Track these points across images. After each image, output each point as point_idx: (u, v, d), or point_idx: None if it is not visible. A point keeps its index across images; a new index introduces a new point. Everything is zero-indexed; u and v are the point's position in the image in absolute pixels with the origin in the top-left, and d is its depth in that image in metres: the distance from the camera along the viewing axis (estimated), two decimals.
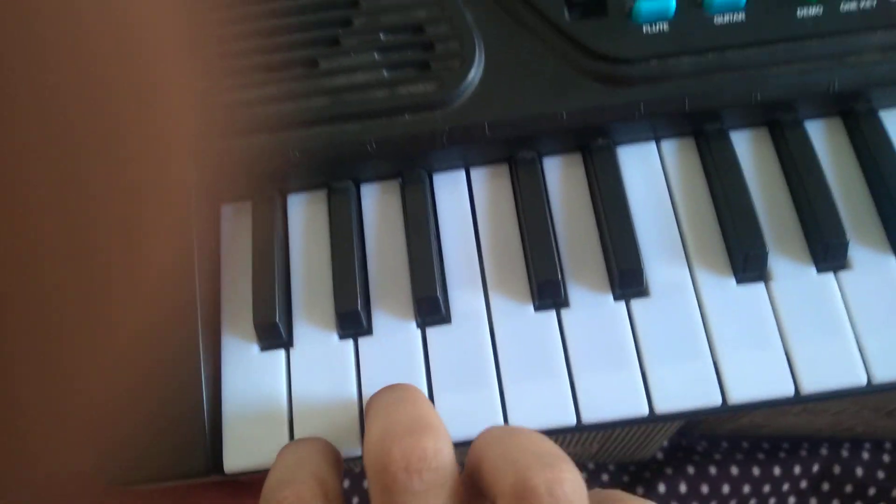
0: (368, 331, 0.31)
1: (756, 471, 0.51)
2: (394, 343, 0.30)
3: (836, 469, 0.52)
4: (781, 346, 0.29)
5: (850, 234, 0.30)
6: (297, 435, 0.29)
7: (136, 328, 0.16)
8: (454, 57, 0.31)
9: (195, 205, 0.30)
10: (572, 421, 0.29)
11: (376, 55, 0.32)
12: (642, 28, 0.31)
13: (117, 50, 0.14)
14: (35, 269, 0.13)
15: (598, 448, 0.49)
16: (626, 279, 0.30)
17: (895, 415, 0.47)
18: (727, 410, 0.29)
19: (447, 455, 0.23)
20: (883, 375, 0.29)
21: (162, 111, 0.15)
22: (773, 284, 0.30)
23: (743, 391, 0.29)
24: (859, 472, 0.52)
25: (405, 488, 0.22)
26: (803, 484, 0.52)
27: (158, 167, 0.16)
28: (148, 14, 0.15)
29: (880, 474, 0.52)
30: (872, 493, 0.52)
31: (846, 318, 0.29)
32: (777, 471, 0.52)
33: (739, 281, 0.30)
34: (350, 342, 0.31)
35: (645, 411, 0.29)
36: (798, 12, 0.31)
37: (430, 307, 0.30)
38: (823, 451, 0.53)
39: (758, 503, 0.51)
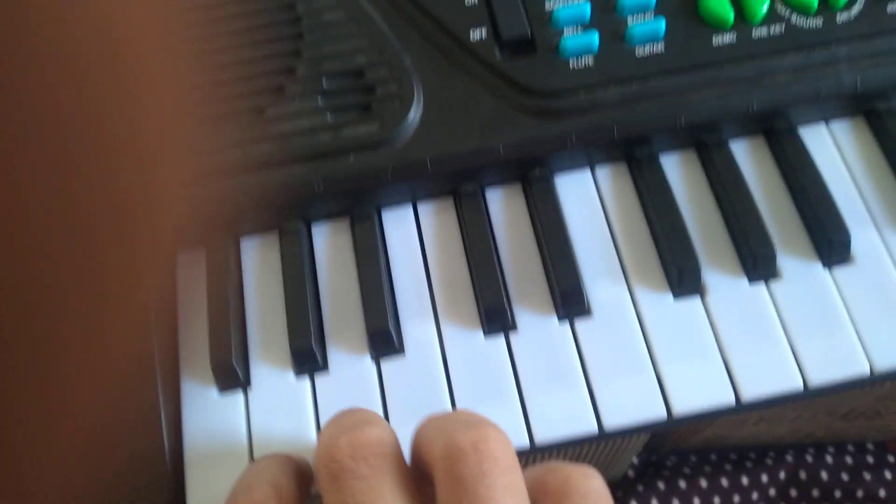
0: (324, 367, 0.32)
1: (725, 482, 0.52)
2: (349, 378, 0.31)
3: (803, 474, 0.53)
4: (720, 356, 0.31)
5: (778, 245, 0.32)
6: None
7: (100, 378, 0.17)
8: (394, 98, 0.33)
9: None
10: (526, 442, 0.30)
11: (320, 100, 0.33)
12: (569, 63, 0.33)
13: (108, 70, 0.14)
14: None
15: None
16: (568, 300, 0.31)
17: (850, 417, 0.48)
18: (673, 423, 0.30)
19: (391, 442, 0.24)
20: (817, 378, 0.30)
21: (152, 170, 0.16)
22: (709, 297, 0.32)
23: (686, 402, 0.30)
24: (824, 475, 0.53)
25: (352, 474, 0.23)
26: (772, 491, 0.53)
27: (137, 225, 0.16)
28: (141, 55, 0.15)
29: (844, 476, 0.54)
30: (839, 495, 0.53)
31: (779, 325, 0.31)
32: (745, 480, 0.53)
33: (676, 296, 0.32)
34: (307, 379, 0.31)
35: (594, 428, 0.30)
36: (713, 39, 0.33)
37: (383, 339, 0.31)
38: (789, 458, 0.54)
39: None
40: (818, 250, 0.32)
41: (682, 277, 0.31)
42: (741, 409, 0.30)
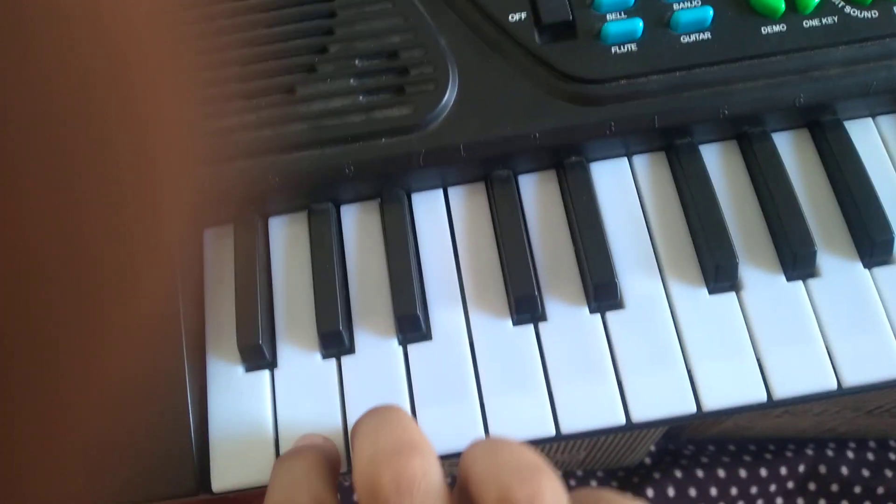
0: (351, 350, 0.31)
1: (743, 472, 0.52)
2: (376, 361, 0.31)
3: (822, 469, 0.53)
4: (753, 353, 0.30)
5: (819, 243, 0.31)
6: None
7: (127, 353, 0.17)
8: (428, 81, 0.32)
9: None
10: (551, 432, 0.30)
11: (352, 81, 0.32)
12: (611, 49, 0.32)
13: (110, 78, 0.14)
14: (25, 296, 0.14)
15: (585, 455, 0.50)
16: (601, 292, 0.31)
17: (875, 413, 0.48)
18: (702, 417, 0.30)
19: (435, 474, 0.23)
20: (852, 379, 0.30)
21: (155, 145, 0.16)
22: (744, 293, 0.31)
23: (716, 398, 0.30)
24: (844, 471, 0.53)
25: None
26: (790, 484, 0.53)
27: (151, 200, 0.16)
28: (138, 41, 0.15)
29: (865, 472, 0.53)
30: (858, 491, 0.53)
31: (815, 324, 0.30)
32: (764, 472, 0.52)
33: (711, 291, 0.31)
34: (333, 361, 0.31)
35: (622, 420, 0.30)
36: (762, 30, 0.32)
37: (411, 324, 0.31)
38: (809, 452, 0.54)
39: None
40: (859, 249, 0.31)
41: (719, 272, 0.31)
42: (772, 406, 0.30)
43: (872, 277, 0.31)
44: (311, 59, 0.33)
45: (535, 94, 0.32)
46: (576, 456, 0.50)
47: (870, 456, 0.54)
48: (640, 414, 0.30)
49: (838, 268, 0.31)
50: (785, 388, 0.30)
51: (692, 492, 0.51)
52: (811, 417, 0.48)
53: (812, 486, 0.53)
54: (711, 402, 0.29)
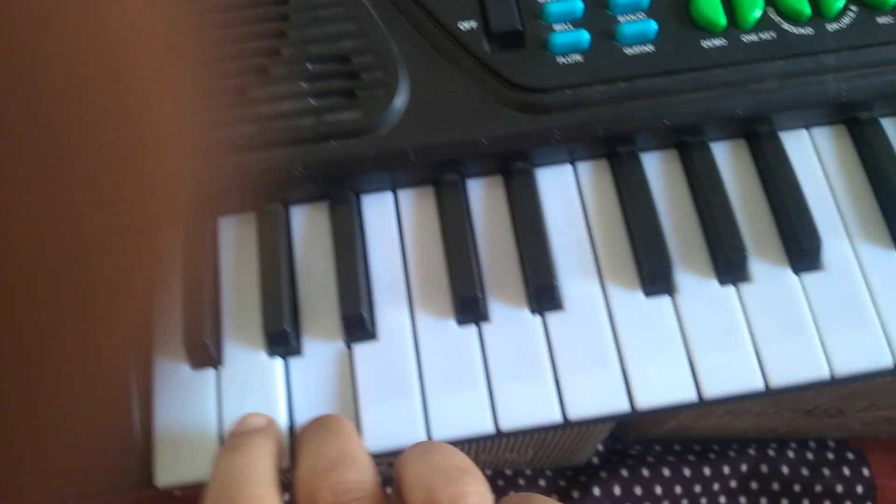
0: (298, 349, 0.32)
1: (687, 472, 0.54)
2: (322, 361, 0.32)
3: (764, 468, 0.55)
4: (685, 355, 0.31)
5: (751, 249, 0.33)
6: None
7: (119, 347, 0.17)
8: (379, 86, 0.33)
9: None
10: (491, 429, 0.30)
11: (303, 84, 0.33)
12: (558, 59, 0.33)
13: (105, 74, 0.14)
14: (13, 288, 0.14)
15: (533, 454, 0.51)
16: (541, 294, 0.32)
17: (813, 414, 0.49)
18: (635, 416, 0.31)
19: (370, 484, 0.25)
20: (779, 380, 0.31)
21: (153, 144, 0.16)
22: (679, 297, 0.32)
23: (649, 397, 0.31)
24: (785, 470, 0.55)
25: None
26: (733, 483, 0.55)
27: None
28: (135, 42, 0.15)
29: (804, 471, 0.55)
30: (798, 489, 0.55)
31: (745, 327, 0.32)
32: (707, 471, 0.54)
33: (648, 294, 0.32)
34: (279, 361, 0.32)
35: (559, 418, 0.30)
36: (703, 43, 0.33)
37: (356, 324, 0.31)
38: (751, 452, 0.55)
39: (690, 503, 0.54)
40: (790, 256, 0.33)
41: (654, 276, 0.32)
42: (703, 406, 0.31)
43: (801, 283, 0.33)
44: (263, 62, 0.33)
45: (484, 101, 0.33)
46: (524, 455, 0.51)
47: (809, 455, 0.56)
48: (576, 412, 0.31)
49: (769, 273, 0.33)
50: (715, 388, 0.31)
51: (638, 490, 0.53)
52: (752, 418, 0.49)
53: (754, 485, 0.55)
54: (644, 401, 0.31)
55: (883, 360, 0.31)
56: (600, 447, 0.56)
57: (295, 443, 0.30)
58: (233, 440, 0.28)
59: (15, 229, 0.13)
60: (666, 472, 0.54)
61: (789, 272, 0.33)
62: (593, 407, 0.31)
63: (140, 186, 0.16)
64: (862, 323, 0.32)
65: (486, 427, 0.30)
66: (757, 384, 0.31)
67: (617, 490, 0.53)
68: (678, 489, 0.53)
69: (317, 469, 0.25)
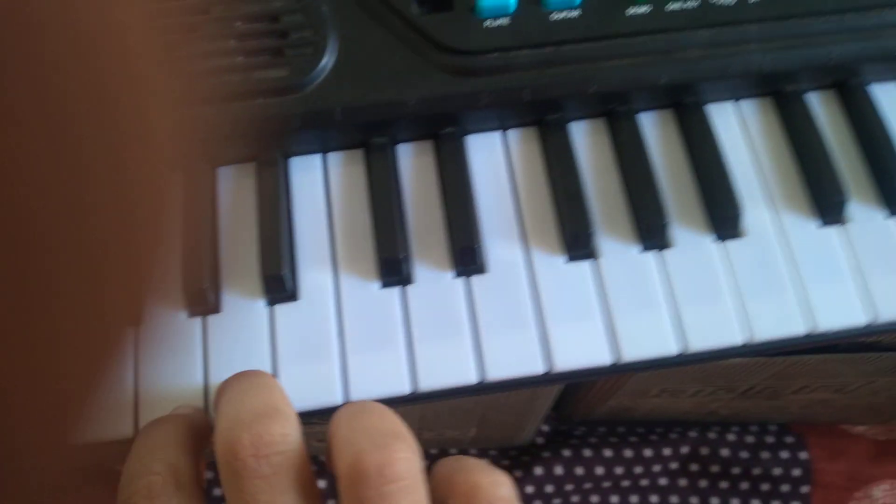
0: (216, 309, 0.32)
1: (628, 453, 0.54)
2: (242, 320, 0.31)
3: (704, 450, 0.55)
4: (604, 319, 0.31)
5: (674, 217, 0.33)
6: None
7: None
8: (307, 45, 0.33)
9: None
10: (407, 389, 0.30)
11: (233, 42, 0.33)
12: (484, 22, 0.33)
13: (112, 55, 0.15)
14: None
15: (476, 432, 0.51)
16: (465, 257, 0.32)
17: (749, 395, 0.50)
18: (552, 379, 0.31)
19: (294, 439, 0.24)
20: (696, 345, 0.31)
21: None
22: (601, 261, 0.32)
23: (567, 360, 0.31)
24: (725, 452, 0.55)
25: (254, 472, 0.23)
26: (673, 465, 0.55)
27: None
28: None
29: (744, 454, 0.56)
30: (737, 471, 0.55)
31: (664, 292, 0.32)
32: (648, 452, 0.54)
33: (570, 259, 0.33)
34: (198, 320, 0.31)
35: (475, 379, 0.31)
36: (628, 11, 0.34)
37: (277, 285, 0.31)
38: (693, 434, 0.56)
39: (631, 484, 0.54)
40: (711, 223, 0.33)
41: (576, 241, 0.32)
42: (619, 370, 0.31)
43: (721, 250, 0.33)
44: (193, 20, 0.33)
45: (412, 62, 0.33)
46: (467, 433, 0.51)
47: (749, 439, 0.56)
48: (495, 373, 0.31)
49: (691, 240, 0.33)
50: (632, 351, 0.31)
51: (579, 470, 0.53)
52: (689, 398, 0.50)
53: (694, 467, 0.55)
54: (561, 363, 0.31)
55: (798, 327, 0.32)
56: (546, 428, 0.56)
57: (215, 399, 0.29)
58: (157, 418, 0.28)
59: (16, 180, 0.13)
60: (608, 452, 0.54)
61: (710, 239, 0.33)
62: (511, 369, 0.31)
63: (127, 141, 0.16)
64: (779, 290, 0.32)
65: (403, 387, 0.30)
66: (673, 348, 0.31)
67: (559, 470, 0.53)
68: (619, 470, 0.54)
69: (239, 420, 0.24)
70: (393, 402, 0.31)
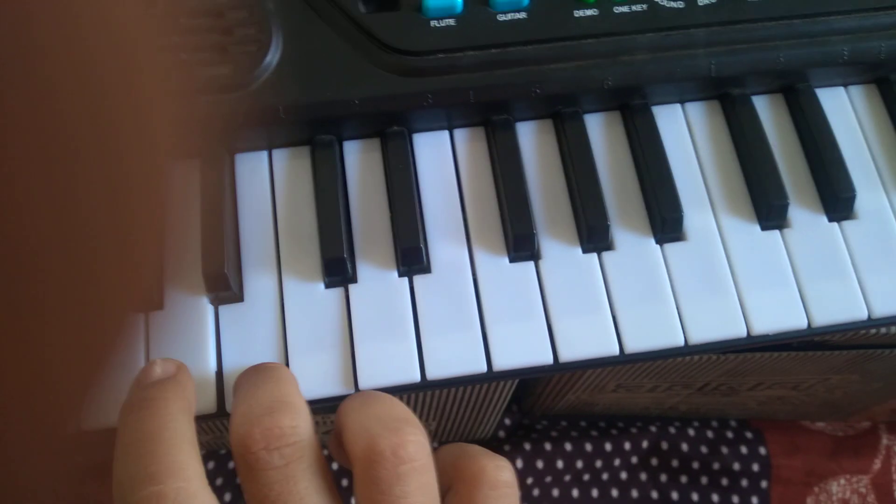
0: (160, 306, 0.32)
1: (588, 447, 0.55)
2: (189, 316, 0.32)
3: (664, 445, 0.56)
4: (546, 319, 0.32)
5: (614, 218, 0.33)
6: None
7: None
8: (251, 42, 0.33)
9: None
10: (351, 388, 0.31)
11: (175, 38, 0.33)
12: (430, 23, 0.33)
13: (108, 49, 0.15)
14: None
15: (436, 425, 0.51)
16: (408, 257, 0.32)
17: (706, 391, 0.50)
18: (493, 377, 0.31)
19: (304, 430, 0.25)
20: (633, 346, 0.32)
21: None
22: (543, 263, 0.33)
23: (507, 359, 0.31)
24: (685, 447, 0.56)
25: (267, 465, 0.24)
26: (633, 459, 0.56)
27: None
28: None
29: (703, 449, 0.56)
30: (696, 466, 0.56)
31: (604, 293, 0.32)
32: (608, 446, 0.55)
33: (512, 260, 0.33)
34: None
35: (418, 378, 0.31)
36: (575, 13, 0.34)
37: (219, 284, 0.31)
38: (653, 429, 0.56)
39: (591, 477, 0.55)
40: (653, 225, 0.33)
41: (519, 243, 0.32)
42: (560, 369, 0.32)
43: (663, 252, 0.33)
44: None
45: (357, 61, 0.33)
46: (427, 426, 0.51)
47: (709, 434, 0.57)
48: (437, 372, 0.31)
49: (632, 242, 0.33)
50: (570, 352, 0.31)
51: (539, 464, 0.54)
52: (647, 394, 0.50)
53: (654, 462, 0.56)
54: (501, 362, 0.31)
55: (738, 329, 0.32)
56: (507, 421, 0.56)
57: (233, 392, 0.29)
58: (139, 394, 0.26)
59: (13, 178, 0.13)
60: (568, 446, 0.54)
61: (652, 242, 0.33)
62: (453, 367, 0.31)
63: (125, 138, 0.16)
64: (720, 292, 0.33)
65: (346, 387, 0.31)
66: (613, 349, 0.32)
67: (519, 463, 0.54)
68: (579, 464, 0.54)
69: (250, 415, 0.25)
70: (335, 401, 0.31)
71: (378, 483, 0.23)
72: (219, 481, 0.56)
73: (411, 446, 0.24)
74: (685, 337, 0.32)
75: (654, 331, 0.32)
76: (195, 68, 0.32)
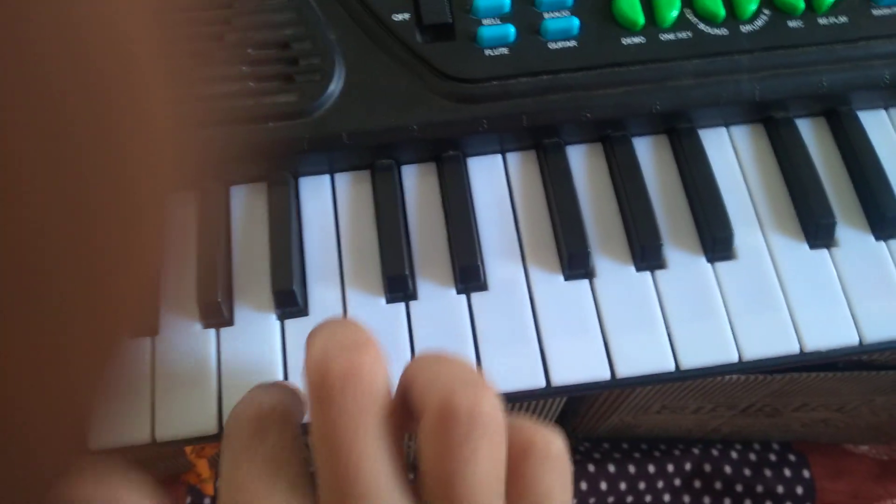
0: (230, 322, 0.33)
1: (632, 468, 0.55)
2: (253, 332, 0.33)
3: (707, 467, 0.56)
4: (601, 335, 0.33)
5: (666, 238, 0.34)
6: (161, 423, 0.31)
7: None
8: (316, 71, 0.34)
9: None
10: None
11: (244, 68, 0.34)
12: (485, 51, 0.35)
13: (111, 60, 0.15)
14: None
15: None
16: (466, 274, 0.33)
17: (750, 413, 0.51)
18: (551, 392, 0.32)
19: (383, 374, 0.24)
20: (689, 362, 0.32)
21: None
22: (597, 281, 0.34)
23: (565, 374, 0.32)
24: (728, 469, 0.56)
25: (339, 407, 0.23)
26: (677, 481, 0.56)
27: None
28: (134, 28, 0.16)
29: (747, 472, 0.56)
30: (740, 489, 0.56)
31: (659, 310, 0.33)
32: (652, 468, 0.55)
33: (567, 277, 0.34)
34: (212, 332, 0.33)
35: None
36: (623, 40, 0.35)
37: (287, 300, 0.33)
38: (696, 451, 0.56)
39: (634, 499, 0.55)
40: (703, 245, 0.34)
41: (573, 261, 0.33)
42: (616, 385, 0.32)
43: (714, 271, 0.34)
44: (207, 46, 0.35)
45: (415, 89, 0.35)
46: None
47: (752, 456, 0.57)
48: (497, 386, 0.32)
49: (684, 261, 0.34)
50: (627, 367, 0.32)
51: (583, 485, 0.54)
52: (691, 415, 0.50)
53: (697, 484, 0.56)
54: (560, 378, 0.32)
55: (790, 346, 0.33)
56: None
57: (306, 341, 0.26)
58: (251, 420, 0.25)
59: (20, 200, 0.13)
60: (611, 468, 0.55)
61: (703, 260, 0.34)
62: (510, 383, 0.32)
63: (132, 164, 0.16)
64: (771, 310, 0.33)
65: None
66: (668, 365, 0.32)
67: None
68: (623, 485, 0.54)
69: (330, 349, 0.23)
70: None
71: (447, 441, 0.22)
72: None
73: (487, 408, 0.22)
74: (739, 353, 0.33)
75: (709, 347, 0.33)
76: (262, 96, 0.34)
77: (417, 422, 0.24)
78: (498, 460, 0.23)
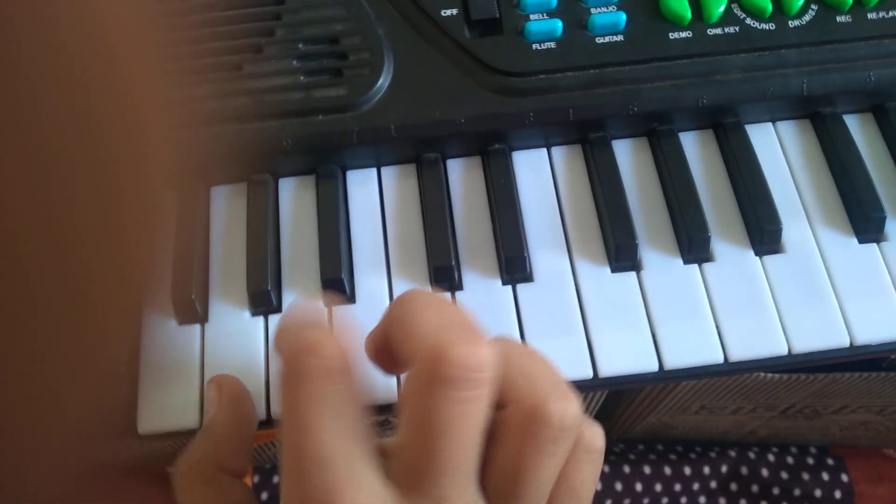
0: (279, 309, 0.34)
1: (668, 470, 0.55)
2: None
3: (744, 470, 0.55)
4: (648, 327, 0.33)
5: (714, 230, 0.34)
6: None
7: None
8: (365, 66, 0.35)
9: None
10: None
11: (295, 62, 0.35)
12: (532, 46, 0.35)
13: (95, 62, 0.15)
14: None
15: None
16: (512, 266, 0.33)
17: (789, 414, 0.50)
18: (597, 385, 0.32)
19: (493, 371, 0.23)
20: (737, 354, 0.32)
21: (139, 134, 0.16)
22: (644, 273, 0.34)
23: (612, 365, 0.32)
24: (765, 472, 0.55)
25: (454, 395, 0.22)
26: (713, 484, 0.55)
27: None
28: (121, 23, 0.16)
29: (784, 475, 0.56)
30: (777, 492, 0.55)
31: (707, 303, 0.33)
32: (687, 470, 0.55)
33: (614, 270, 0.34)
34: (261, 319, 0.33)
35: None
36: (670, 35, 0.35)
37: (336, 287, 0.33)
38: (732, 453, 0.56)
39: (670, 501, 0.54)
40: (751, 238, 0.34)
41: (620, 253, 0.33)
42: (663, 378, 0.32)
43: (762, 264, 0.34)
44: (258, 41, 0.35)
45: (463, 83, 0.35)
46: None
47: (789, 459, 0.56)
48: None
49: (732, 254, 0.34)
50: (675, 359, 0.32)
51: (618, 486, 0.54)
52: (729, 416, 0.50)
53: (734, 486, 0.55)
54: (607, 369, 0.32)
55: (840, 339, 0.33)
56: None
57: (391, 309, 0.26)
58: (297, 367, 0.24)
59: (6, 207, 0.13)
60: (647, 469, 0.54)
61: (751, 254, 0.34)
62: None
63: (127, 160, 0.16)
64: (821, 303, 0.33)
65: None
66: (717, 357, 0.32)
67: (598, 485, 0.54)
68: (658, 487, 0.54)
69: (450, 329, 0.23)
70: None
71: (535, 440, 0.23)
72: (264, 495, 0.57)
73: (572, 416, 0.23)
74: (788, 346, 0.32)
75: (758, 340, 0.32)
76: (312, 90, 0.35)
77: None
78: (564, 459, 0.25)
